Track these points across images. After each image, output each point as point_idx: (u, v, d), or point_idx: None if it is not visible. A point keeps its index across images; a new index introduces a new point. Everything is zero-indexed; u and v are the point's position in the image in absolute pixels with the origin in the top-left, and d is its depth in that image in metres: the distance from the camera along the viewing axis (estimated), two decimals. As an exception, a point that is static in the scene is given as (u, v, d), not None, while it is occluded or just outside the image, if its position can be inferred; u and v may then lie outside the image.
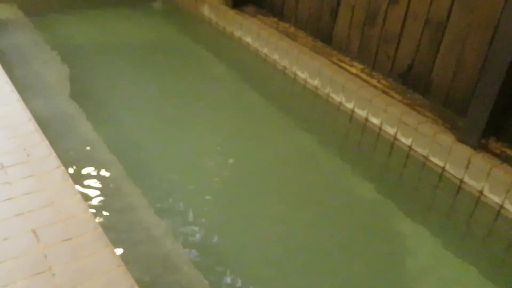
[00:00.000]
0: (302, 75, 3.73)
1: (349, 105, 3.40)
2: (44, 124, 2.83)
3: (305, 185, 2.86)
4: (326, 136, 3.29)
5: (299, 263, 2.36)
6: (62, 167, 2.33)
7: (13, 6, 4.48)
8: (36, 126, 2.60)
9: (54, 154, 2.40)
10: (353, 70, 3.57)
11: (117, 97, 3.49)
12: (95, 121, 3.15)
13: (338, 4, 3.71)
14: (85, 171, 2.74)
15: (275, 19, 4.25)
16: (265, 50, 4.03)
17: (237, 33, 4.28)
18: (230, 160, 3.04)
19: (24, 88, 3.13)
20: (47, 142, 2.49)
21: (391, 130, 3.15)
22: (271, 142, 3.22)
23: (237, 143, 3.19)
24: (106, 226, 2.29)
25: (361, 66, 3.61)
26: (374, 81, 3.43)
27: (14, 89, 2.89)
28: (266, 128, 3.35)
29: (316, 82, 3.62)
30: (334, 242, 2.49)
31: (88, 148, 2.92)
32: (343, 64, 3.62)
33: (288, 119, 3.44)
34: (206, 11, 4.61)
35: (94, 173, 2.74)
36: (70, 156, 2.80)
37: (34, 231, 1.97)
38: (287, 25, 4.17)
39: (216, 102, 3.59)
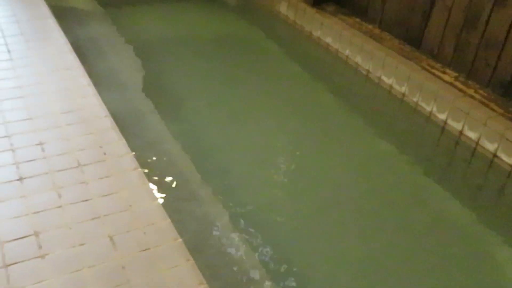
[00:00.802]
0: (387, 80, 3.48)
1: (441, 116, 3.13)
2: (118, 120, 2.74)
3: (385, 199, 2.62)
4: (413, 148, 3.03)
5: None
6: (139, 169, 2.21)
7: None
8: (113, 122, 2.50)
9: (131, 154, 2.29)
10: (446, 77, 3.28)
11: (189, 93, 3.38)
12: (167, 117, 3.05)
13: (432, 5, 3.43)
14: (158, 172, 2.62)
15: (358, 20, 4.01)
16: (347, 52, 3.80)
17: (316, 33, 4.08)
18: (302, 165, 2.85)
19: (99, 82, 3.06)
20: (123, 140, 2.38)
21: (490, 147, 2.86)
22: (348, 148, 3.02)
23: (311, 146, 3.01)
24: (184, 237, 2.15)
25: (455, 74, 3.32)
26: (470, 91, 3.14)
27: (91, 83, 2.82)
28: (344, 134, 3.14)
29: (403, 89, 3.36)
30: (418, 270, 2.25)
31: (160, 147, 2.81)
32: (434, 71, 3.35)
33: (369, 125, 3.21)
34: (283, 8, 4.44)
35: (168, 175, 2.62)
36: (144, 156, 2.70)
37: (111, 238, 1.85)
38: (371, 26, 3.93)
39: (290, 102, 3.42)
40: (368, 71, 3.64)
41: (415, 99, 3.29)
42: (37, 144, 2.30)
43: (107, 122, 2.50)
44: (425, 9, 3.49)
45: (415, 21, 3.59)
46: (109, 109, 2.65)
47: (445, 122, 3.11)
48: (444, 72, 3.34)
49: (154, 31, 4.20)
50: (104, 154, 2.28)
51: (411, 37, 3.64)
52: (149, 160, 2.69)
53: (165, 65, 3.69)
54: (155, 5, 4.66)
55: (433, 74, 3.31)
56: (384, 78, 3.51)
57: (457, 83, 3.21)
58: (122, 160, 2.25)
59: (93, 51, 3.68)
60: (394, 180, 2.80)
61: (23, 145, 2.28)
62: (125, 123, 2.88)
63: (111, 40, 3.90)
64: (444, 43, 3.41)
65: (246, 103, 3.37)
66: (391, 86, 3.46)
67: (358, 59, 3.71)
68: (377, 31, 3.87)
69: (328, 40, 3.97)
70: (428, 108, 3.21)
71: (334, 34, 3.90)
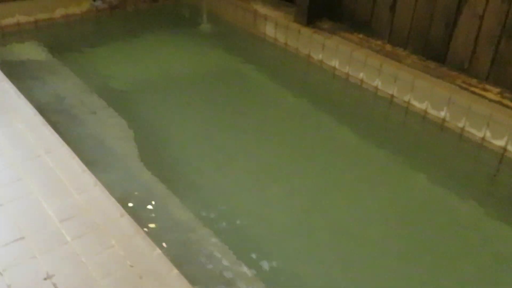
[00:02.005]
0: (420, 105, 3.06)
1: (498, 142, 2.74)
2: (134, 212, 2.15)
3: (437, 250, 2.21)
4: (466, 184, 2.62)
5: None
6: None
7: (36, 44, 3.76)
8: (136, 225, 1.92)
9: (176, 272, 1.72)
10: (490, 95, 2.91)
11: (189, 149, 2.83)
12: (175, 186, 2.48)
13: (458, 14, 3.05)
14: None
15: (362, 36, 3.58)
16: (361, 76, 3.36)
17: (317, 56, 3.61)
18: (335, 217, 2.40)
19: (87, 161, 2.42)
20: (157, 250, 1.80)
21: None
22: (382, 186, 2.60)
23: (344, 193, 2.55)
24: None
25: (497, 90, 2.95)
26: (524, 109, 2.78)
27: (85, 168, 2.20)
28: (373, 171, 2.72)
29: (443, 113, 2.96)
30: None
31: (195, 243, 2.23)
32: (473, 89, 2.96)
33: (409, 163, 2.77)
34: (269, 30, 3.94)
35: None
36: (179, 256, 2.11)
37: None
38: (379, 42, 3.50)
39: (306, 141, 2.97)
40: (392, 96, 3.21)
41: (460, 125, 2.89)
42: (45, 279, 1.68)
43: (126, 223, 1.91)
44: (449, 19, 3.11)
45: (436, 32, 3.20)
46: (117, 200, 2.06)
47: (505, 149, 2.73)
48: (484, 89, 2.96)
49: (126, 76, 3.58)
50: (140, 278, 1.70)
51: (433, 51, 3.25)
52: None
53: (152, 118, 3.09)
54: (117, 43, 4.02)
55: (474, 92, 2.93)
56: (414, 102, 3.09)
57: (506, 101, 2.84)
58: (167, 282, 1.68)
59: (63, 116, 3.01)
60: (444, 220, 2.38)
61: (26, 284, 1.66)
62: (142, 214, 2.28)
63: (80, 96, 3.23)
64: (477, 55, 3.04)
65: (250, 147, 2.89)
66: (425, 111, 3.04)
67: (378, 83, 3.27)
68: (388, 47, 3.45)
69: (334, 63, 3.51)
70: (480, 134, 2.81)
71: (342, 55, 3.45)
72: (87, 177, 2.15)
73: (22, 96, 2.66)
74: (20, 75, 3.29)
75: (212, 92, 3.46)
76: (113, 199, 2.03)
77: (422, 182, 2.66)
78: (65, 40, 3.94)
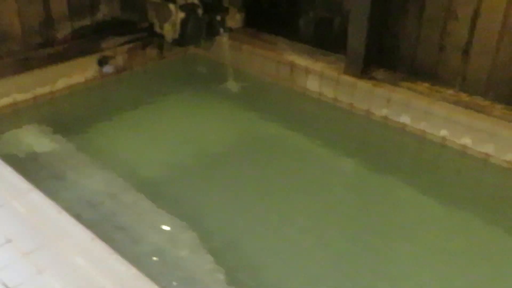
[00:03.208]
0: (528, 166, 2.69)
1: None
2: None
3: None
4: None
5: None
6: None
7: (40, 128, 3.12)
8: None
9: None
10: None
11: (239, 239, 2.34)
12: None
13: (556, 56, 2.72)
14: None
15: (427, 85, 3.18)
16: (443, 133, 2.95)
17: (380, 112, 3.18)
18: None
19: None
20: None
21: None
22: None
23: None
24: None
25: None
26: None
27: None
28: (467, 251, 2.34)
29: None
30: None
31: None
32: None
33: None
34: (312, 84, 3.47)
35: None
36: None
37: None
38: (450, 91, 3.11)
39: (371, 217, 2.56)
40: (487, 156, 2.82)
41: None
42: None
43: None
44: (543, 62, 2.77)
45: (526, 78, 2.86)
46: None
47: None
48: None
49: (151, 159, 2.99)
50: None
51: (521, 98, 2.91)
52: None
53: (197, 206, 2.60)
54: (130, 113, 3.42)
55: None
56: (521, 163, 2.72)
57: None
58: None
59: (107, 226, 2.41)
60: None
61: None
62: None
63: (119, 198, 2.63)
64: None
65: (321, 233, 2.46)
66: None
67: (467, 141, 2.87)
68: (464, 97, 3.06)
69: (405, 119, 3.08)
70: None
71: (415, 110, 3.03)
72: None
73: (71, 218, 2.05)
74: (35, 174, 2.66)
75: (253, 166, 2.97)
76: None
77: None
78: (71, 118, 3.31)
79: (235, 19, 3.93)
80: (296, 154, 3.13)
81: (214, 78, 3.89)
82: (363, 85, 3.22)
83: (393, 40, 3.29)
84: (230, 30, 3.79)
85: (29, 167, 2.74)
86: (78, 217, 2.11)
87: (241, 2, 3.94)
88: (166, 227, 2.48)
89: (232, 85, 3.74)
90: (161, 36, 3.71)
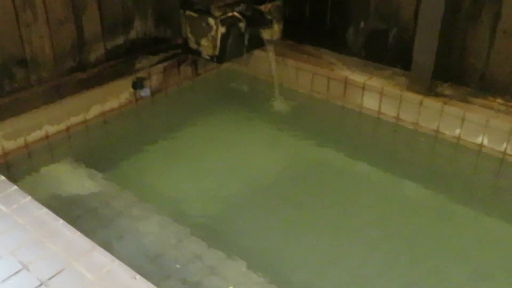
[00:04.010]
0: None
1: None
2: None
3: None
4: None
5: None
6: None
7: (76, 163, 2.81)
8: None
9: None
10: None
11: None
12: None
13: None
14: None
15: (500, 101, 2.93)
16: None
17: (452, 132, 2.92)
18: None
19: None
20: None
21: None
22: None
23: None
24: None
25: None
26: None
27: None
28: None
29: None
30: None
31: None
32: None
33: None
34: (370, 102, 3.20)
35: None
36: None
37: None
38: (529, 107, 2.88)
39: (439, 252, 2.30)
40: None
41: None
42: None
43: None
44: None
45: None
46: None
47: None
48: None
49: (199, 192, 2.71)
50: None
51: None
52: None
53: (254, 244, 2.35)
54: (170, 139, 3.13)
55: None
56: None
57: None
58: None
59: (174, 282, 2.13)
60: None
61: None
62: None
63: (165, 241, 2.35)
64: None
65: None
66: None
67: (559, 165, 2.64)
68: (547, 113, 2.83)
69: (481, 140, 2.84)
70: None
71: (494, 131, 2.78)
72: None
73: (147, 283, 1.76)
74: (82, 224, 2.37)
75: (306, 195, 2.71)
76: None
77: None
78: (107, 150, 3.00)
79: (273, 31, 3.65)
80: (352, 180, 2.87)
81: (255, 96, 3.61)
82: (431, 102, 2.96)
83: (460, 53, 3.03)
84: (273, 43, 3.50)
85: (72, 214, 2.44)
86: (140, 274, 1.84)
87: (280, 12, 3.65)
88: (236, 275, 2.21)
89: (278, 104, 3.46)
90: (197, 53, 3.42)
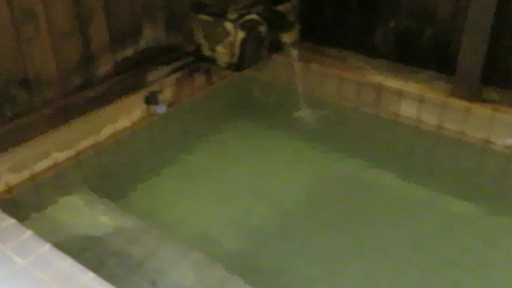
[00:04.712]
0: None
1: None
2: None
3: None
4: None
5: None
6: None
7: (90, 193, 2.49)
8: None
9: None
10: None
11: None
12: None
13: None
14: None
15: (554, 104, 2.72)
16: None
17: (504, 141, 2.69)
18: None
19: None
20: None
21: None
22: None
23: None
24: None
25: None
26: None
27: None
28: None
29: None
30: None
31: None
32: None
33: None
34: (407, 110, 2.94)
35: None
36: None
37: None
38: None
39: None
40: None
41: None
42: None
43: None
44: None
45: None
46: None
47: None
48: None
49: (224, 217, 2.49)
50: None
51: None
52: None
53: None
54: (188, 160, 2.86)
55: None
56: None
57: None
58: None
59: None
60: None
61: None
62: None
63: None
64: None
65: None
66: None
67: None
68: None
69: (540, 150, 2.62)
70: None
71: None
72: None
73: None
74: (108, 271, 2.07)
75: (340, 218, 2.49)
76: None
77: None
78: (121, 176, 2.70)
79: (293, 33, 3.36)
80: (391, 198, 2.64)
81: (275, 106, 3.33)
82: (480, 109, 2.72)
83: (506, 52, 2.80)
84: (296, 46, 3.21)
85: (95, 259, 2.13)
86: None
87: (297, 13, 3.37)
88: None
89: (301, 114, 3.19)
90: (212, 60, 3.11)
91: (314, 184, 2.74)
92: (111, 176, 2.69)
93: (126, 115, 2.76)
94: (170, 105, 3.01)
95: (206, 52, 3.11)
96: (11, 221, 2.04)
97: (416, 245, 2.33)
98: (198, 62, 3.15)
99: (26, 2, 2.21)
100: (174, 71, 3.01)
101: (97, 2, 2.49)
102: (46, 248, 1.91)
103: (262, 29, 3.01)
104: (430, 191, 2.67)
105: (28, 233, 1.98)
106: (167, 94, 2.97)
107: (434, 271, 2.20)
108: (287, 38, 3.23)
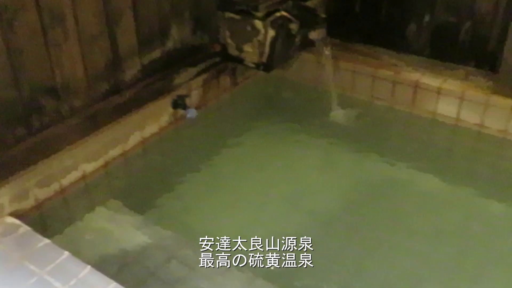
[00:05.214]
0: None
1: None
2: None
3: None
4: None
5: None
6: None
7: (118, 207, 2.36)
8: None
9: None
10: None
11: None
12: None
13: None
14: None
15: None
16: None
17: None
18: None
19: None
20: None
21: None
22: None
23: None
24: None
25: None
26: None
27: None
28: None
29: None
30: None
31: None
32: None
33: None
34: (446, 108, 2.82)
35: None
36: None
37: None
38: None
39: None
40: None
41: None
42: None
43: None
44: None
45: None
46: None
47: None
48: None
49: (258, 227, 2.33)
50: None
51: None
52: None
53: None
54: (216, 166, 2.72)
55: None
56: None
57: None
58: None
59: None
60: None
61: None
62: None
63: None
64: None
65: None
66: None
67: None
68: None
69: None
70: None
71: None
72: None
73: None
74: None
75: (379, 226, 2.35)
76: None
77: None
78: (150, 186, 2.56)
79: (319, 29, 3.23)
80: (430, 202, 2.51)
81: (305, 106, 3.20)
82: (527, 108, 2.62)
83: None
84: (328, 43, 3.07)
85: (133, 279, 2.02)
86: None
87: (323, 8, 3.23)
88: None
89: (334, 115, 3.06)
90: (239, 60, 2.98)
91: (348, 187, 2.61)
92: (139, 187, 2.55)
93: (153, 121, 2.64)
94: (197, 108, 2.89)
95: (233, 52, 2.97)
96: (46, 241, 1.93)
97: (462, 251, 2.22)
98: (224, 62, 3.02)
99: (55, 3, 2.07)
100: (201, 72, 2.88)
101: (125, 2, 2.36)
102: (86, 271, 1.80)
103: (293, 26, 2.88)
104: (471, 194, 2.55)
105: (65, 254, 1.87)
106: (194, 97, 2.85)
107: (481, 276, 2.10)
108: (314, 35, 3.10)
